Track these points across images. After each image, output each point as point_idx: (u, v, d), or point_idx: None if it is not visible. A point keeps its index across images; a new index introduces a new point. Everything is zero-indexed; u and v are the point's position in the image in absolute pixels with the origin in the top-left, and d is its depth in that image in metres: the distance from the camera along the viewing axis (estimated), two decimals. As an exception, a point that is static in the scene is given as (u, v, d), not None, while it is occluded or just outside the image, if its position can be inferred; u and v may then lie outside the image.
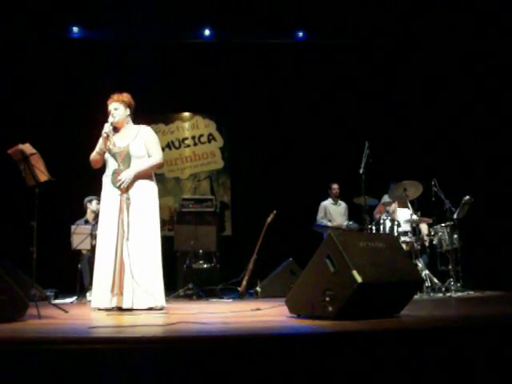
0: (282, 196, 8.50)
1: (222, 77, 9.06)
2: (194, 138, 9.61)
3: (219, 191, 9.35)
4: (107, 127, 4.52)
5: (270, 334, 2.71)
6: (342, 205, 8.08)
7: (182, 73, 8.97)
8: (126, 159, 4.54)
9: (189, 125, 9.63)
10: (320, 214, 7.98)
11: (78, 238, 6.38)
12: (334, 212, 7.99)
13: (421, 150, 8.25)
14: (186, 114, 9.67)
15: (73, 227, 6.48)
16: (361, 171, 6.25)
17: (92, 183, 7.82)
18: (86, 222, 6.92)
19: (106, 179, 4.63)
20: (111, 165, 4.60)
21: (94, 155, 4.68)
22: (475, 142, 7.79)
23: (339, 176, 7.97)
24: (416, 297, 5.48)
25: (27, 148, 4.16)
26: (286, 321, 3.40)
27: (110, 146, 4.54)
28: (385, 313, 3.40)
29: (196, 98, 9.22)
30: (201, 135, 9.62)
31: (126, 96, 4.71)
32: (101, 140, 4.59)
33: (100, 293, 4.41)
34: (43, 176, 4.20)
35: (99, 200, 6.98)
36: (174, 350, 2.41)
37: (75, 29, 8.60)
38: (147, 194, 4.57)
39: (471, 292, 6.42)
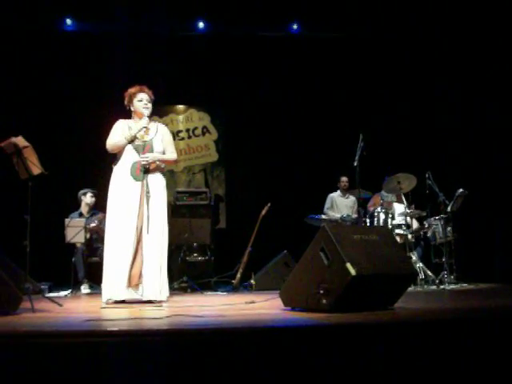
0: (277, 189, 8.49)
1: (216, 69, 9.02)
2: (188, 130, 9.57)
3: (214, 184, 9.33)
4: (146, 122, 4.68)
5: (264, 327, 2.71)
6: (351, 198, 7.92)
7: (177, 65, 8.91)
8: (148, 153, 4.63)
9: (183, 117, 9.59)
10: (327, 205, 7.90)
11: (72, 231, 6.35)
12: (341, 204, 7.90)
13: (415, 143, 8.25)
14: (181, 107, 9.62)
15: (66, 220, 6.44)
16: (355, 164, 6.25)
17: (86, 176, 7.79)
18: (80, 214, 6.90)
19: (121, 170, 4.61)
20: (130, 156, 4.62)
21: (119, 140, 4.66)
22: (469, 134, 7.79)
23: (334, 169, 7.97)
24: (410, 289, 5.50)
25: (20, 141, 4.14)
26: (281, 313, 3.41)
27: (137, 138, 4.63)
28: (379, 305, 3.42)
29: (190, 91, 9.17)
30: (195, 128, 9.58)
31: (151, 94, 5.01)
32: (136, 130, 4.64)
33: (115, 285, 4.41)
34: (36, 169, 4.18)
35: (93, 193, 7.01)
36: (170, 343, 2.41)
37: (68, 21, 8.52)
38: (162, 189, 4.69)
39: (465, 284, 6.46)
